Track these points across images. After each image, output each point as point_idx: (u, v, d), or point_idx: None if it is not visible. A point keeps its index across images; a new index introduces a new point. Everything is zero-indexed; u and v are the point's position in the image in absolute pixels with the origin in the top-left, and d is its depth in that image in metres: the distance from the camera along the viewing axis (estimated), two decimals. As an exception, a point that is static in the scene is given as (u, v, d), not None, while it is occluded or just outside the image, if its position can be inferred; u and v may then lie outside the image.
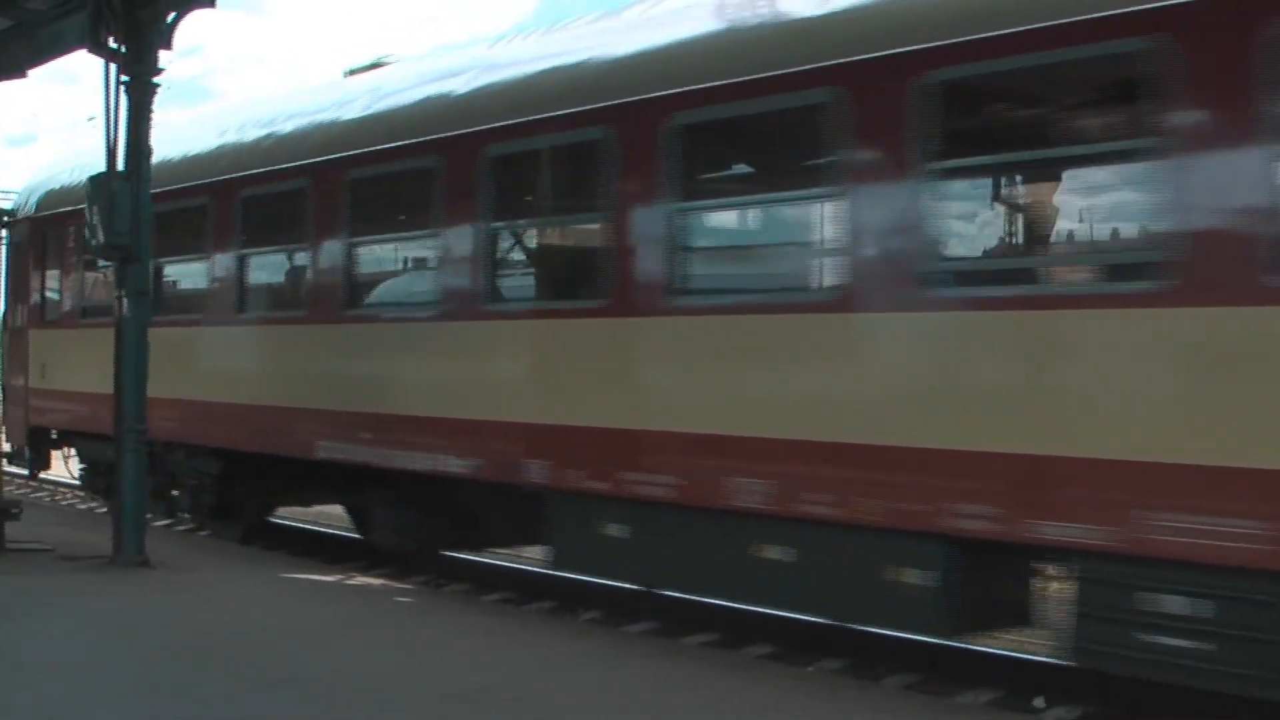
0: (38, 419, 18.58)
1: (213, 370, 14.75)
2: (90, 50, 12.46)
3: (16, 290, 19.91)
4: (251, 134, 14.61)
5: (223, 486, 14.85)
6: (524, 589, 12.94)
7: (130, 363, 12.28)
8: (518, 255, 12.05)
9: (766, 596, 9.53)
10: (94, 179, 12.32)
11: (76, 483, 19.18)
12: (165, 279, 16.08)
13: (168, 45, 12.40)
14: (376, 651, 8.87)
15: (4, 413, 20.19)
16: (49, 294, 18.54)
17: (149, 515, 16.01)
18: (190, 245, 15.37)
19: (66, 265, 17.89)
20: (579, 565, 10.94)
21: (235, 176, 14.35)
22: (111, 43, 12.30)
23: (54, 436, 18.85)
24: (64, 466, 19.27)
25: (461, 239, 11.37)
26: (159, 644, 8.98)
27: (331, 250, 12.88)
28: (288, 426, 13.25)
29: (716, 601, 12.03)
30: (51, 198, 18.53)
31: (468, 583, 13.35)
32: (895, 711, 7.92)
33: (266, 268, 14.91)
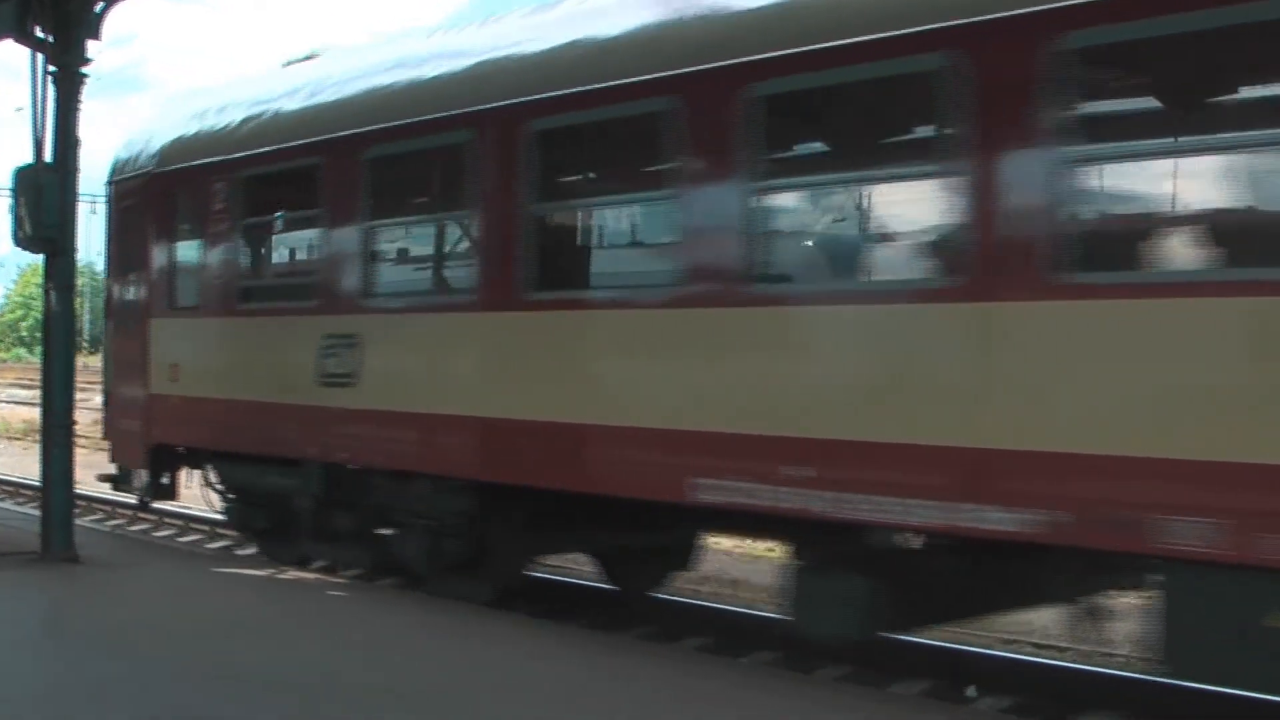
0: (163, 434, 14.04)
1: (477, 375, 10.37)
2: (17, 40, 12.25)
3: (124, 269, 15.06)
4: (547, 38, 10.22)
5: (473, 531, 10.78)
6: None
7: (59, 357, 12.13)
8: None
9: None
10: (20, 170, 12.13)
11: (219, 517, 14.53)
12: (380, 247, 11.82)
13: (96, 35, 12.24)
14: (306, 647, 8.83)
15: (107, 426, 15.59)
16: (181, 273, 13.90)
17: (336, 566, 12.91)
18: (427, 202, 11.97)
19: (212, 234, 13.19)
20: (1223, 673, 7.18)
21: (517, 103, 10.02)
22: (39, 32, 12.11)
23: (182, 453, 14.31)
24: (195, 493, 14.57)
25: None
26: (81, 639, 8.90)
27: (713, 198, 8.77)
28: (637, 456, 9.23)
29: (651, 594, 12.13)
30: (183, 147, 13.92)
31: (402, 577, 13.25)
32: (830, 704, 7.98)
33: (585, 227, 11.31)
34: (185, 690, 7.52)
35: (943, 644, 10.26)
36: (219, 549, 15.18)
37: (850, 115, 9.60)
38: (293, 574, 12.49)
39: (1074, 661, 9.89)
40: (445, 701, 7.45)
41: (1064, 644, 10.38)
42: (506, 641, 9.31)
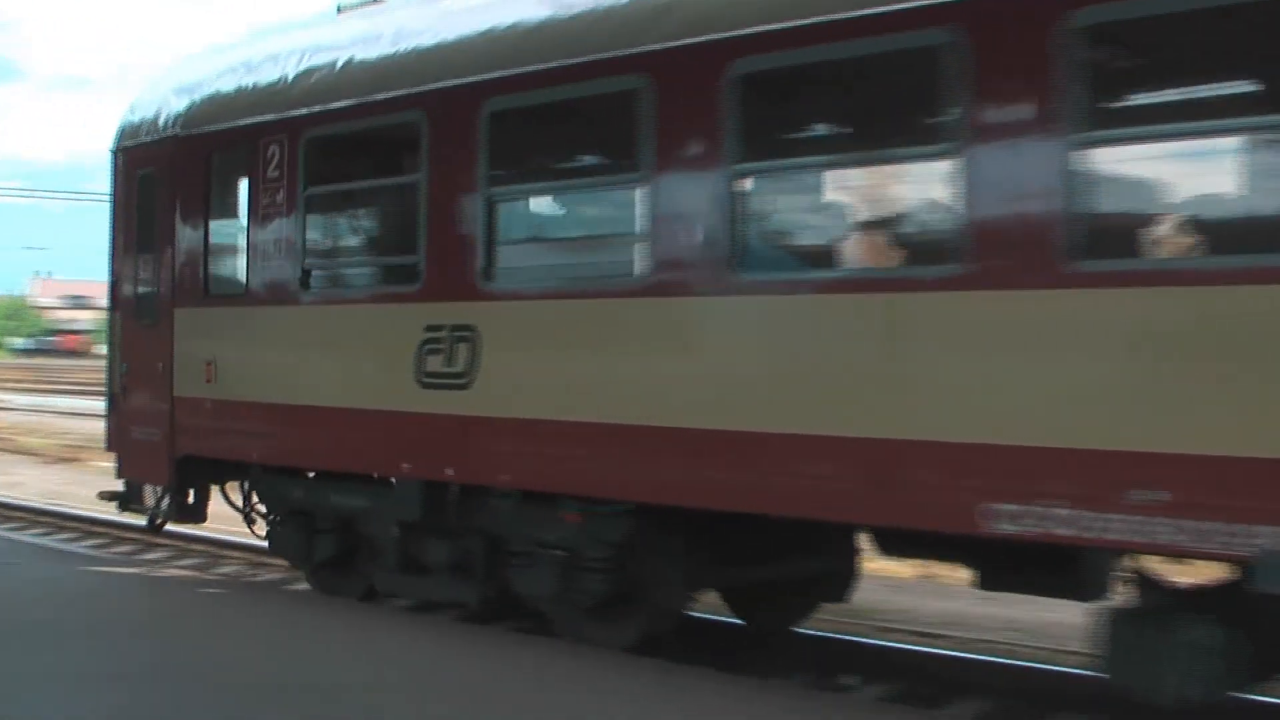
0: (193, 445, 11.78)
1: (667, 374, 8.33)
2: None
3: (138, 251, 12.63)
4: None
5: (622, 563, 9.07)
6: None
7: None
8: None
9: None
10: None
11: (261, 543, 12.28)
12: (507, 220, 9.74)
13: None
14: (182, 644, 8.87)
15: (112, 435, 13.03)
16: (219, 254, 11.87)
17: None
18: (572, 165, 10.24)
19: (264, 207, 11.05)
20: None
21: (716, 39, 8.11)
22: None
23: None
24: (223, 515, 12.72)
25: None
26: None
27: (1023, 159, 6.92)
28: (915, 477, 7.25)
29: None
30: (221, 105, 11.76)
31: (281, 571, 13.06)
32: (705, 692, 8.06)
33: (812, 194, 9.30)
34: (51, 689, 7.46)
35: (820, 633, 10.41)
36: (94, 546, 14.91)
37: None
38: (166, 571, 12.32)
39: (950, 648, 10.10)
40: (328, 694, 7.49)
41: (939, 631, 10.60)
42: (392, 633, 9.32)
